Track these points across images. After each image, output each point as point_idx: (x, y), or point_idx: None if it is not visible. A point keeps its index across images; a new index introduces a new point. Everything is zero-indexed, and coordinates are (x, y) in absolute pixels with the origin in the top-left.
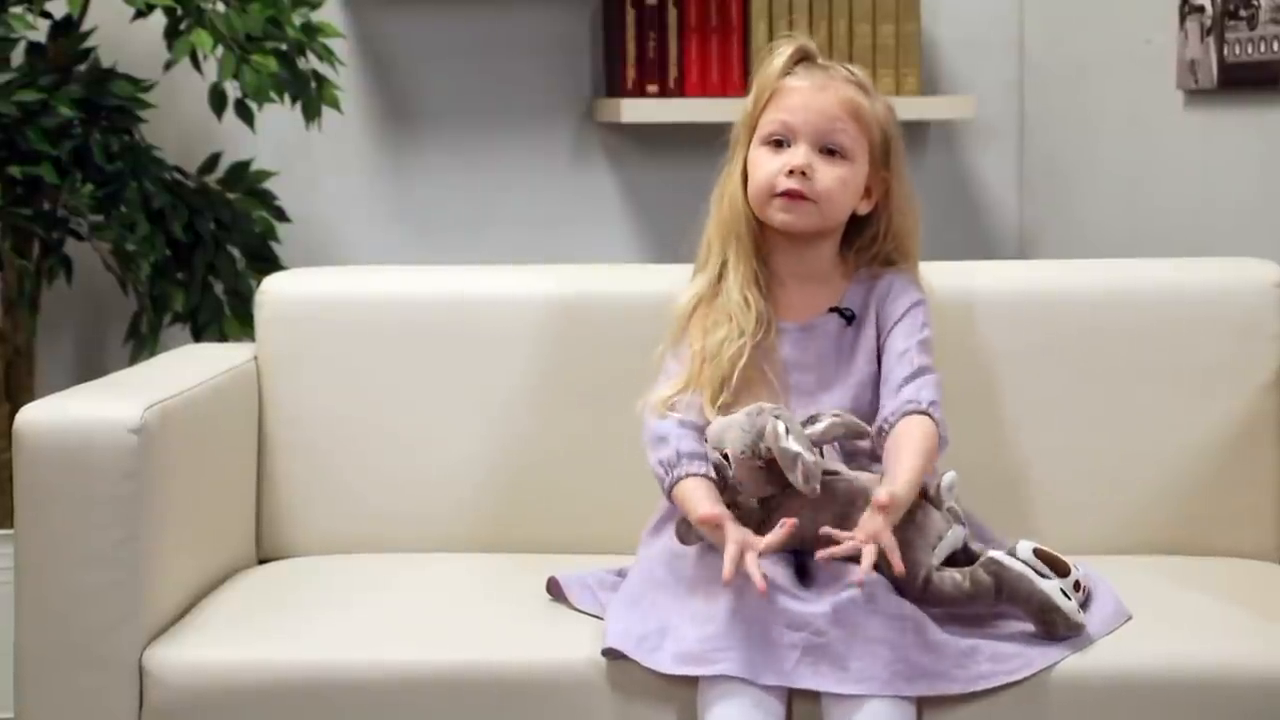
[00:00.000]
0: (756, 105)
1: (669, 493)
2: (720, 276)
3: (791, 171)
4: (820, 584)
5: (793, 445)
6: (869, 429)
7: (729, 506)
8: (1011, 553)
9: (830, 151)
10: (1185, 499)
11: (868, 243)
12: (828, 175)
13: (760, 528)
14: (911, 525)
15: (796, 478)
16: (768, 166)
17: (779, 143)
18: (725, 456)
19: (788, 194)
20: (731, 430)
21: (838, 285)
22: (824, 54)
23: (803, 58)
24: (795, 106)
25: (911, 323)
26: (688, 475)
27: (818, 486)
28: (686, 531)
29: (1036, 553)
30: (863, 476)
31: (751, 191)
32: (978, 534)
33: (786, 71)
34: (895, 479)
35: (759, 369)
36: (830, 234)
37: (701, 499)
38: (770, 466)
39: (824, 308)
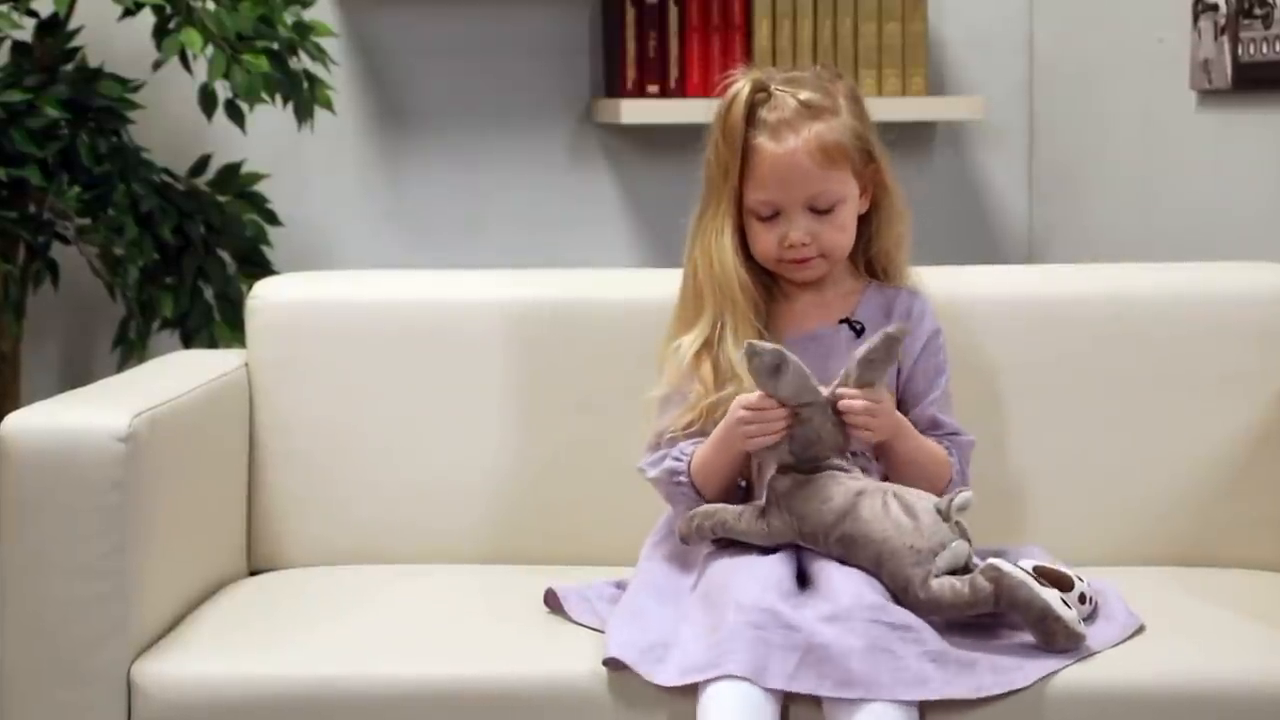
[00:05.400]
0: (732, 163)
1: (690, 473)
2: (718, 335)
3: (791, 245)
4: (820, 587)
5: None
6: (906, 328)
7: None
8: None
9: (822, 208)
10: (1198, 509)
11: (874, 234)
12: (828, 232)
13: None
14: (914, 533)
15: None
16: (766, 240)
17: (770, 214)
18: None
19: (795, 260)
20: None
21: (850, 291)
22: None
23: (758, 91)
24: (770, 182)
25: (929, 365)
26: (694, 451)
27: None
28: (688, 530)
29: (1037, 570)
30: (863, 478)
31: (759, 258)
32: (980, 554)
33: (749, 119)
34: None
35: None
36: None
37: (713, 437)
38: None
39: (834, 318)
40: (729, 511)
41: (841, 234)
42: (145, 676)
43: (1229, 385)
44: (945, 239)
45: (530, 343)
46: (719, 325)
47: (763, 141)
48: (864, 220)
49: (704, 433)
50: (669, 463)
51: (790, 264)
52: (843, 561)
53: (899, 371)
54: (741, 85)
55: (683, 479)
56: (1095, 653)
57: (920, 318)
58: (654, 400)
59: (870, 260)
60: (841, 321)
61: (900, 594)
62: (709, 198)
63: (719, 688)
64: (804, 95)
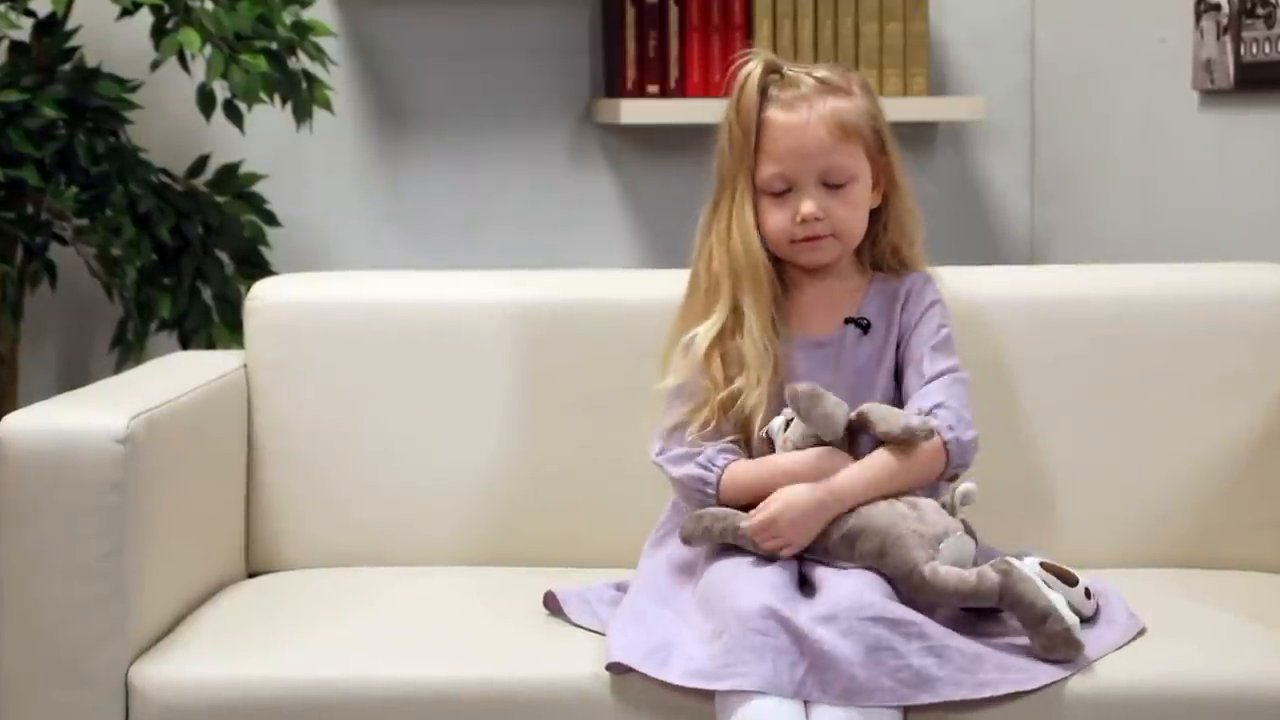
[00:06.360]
0: (746, 141)
1: (719, 488)
2: (736, 320)
3: (804, 220)
4: (820, 592)
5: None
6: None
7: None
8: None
9: (835, 183)
10: (1198, 510)
11: (882, 230)
12: (841, 209)
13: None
14: (917, 520)
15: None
16: (778, 218)
17: (782, 189)
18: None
19: (807, 239)
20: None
21: (856, 286)
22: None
23: (770, 72)
24: (784, 154)
25: (926, 328)
26: (728, 465)
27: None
28: (692, 531)
29: (1043, 565)
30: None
31: (769, 241)
32: (984, 555)
33: (763, 96)
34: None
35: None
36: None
37: (753, 467)
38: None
39: (840, 317)
40: (740, 517)
41: (854, 212)
42: (143, 678)
43: (1229, 386)
44: (946, 239)
45: (530, 344)
46: (737, 314)
47: (776, 114)
48: (873, 216)
49: (720, 431)
50: (697, 470)
51: (801, 244)
52: (844, 566)
53: (898, 343)
54: (754, 65)
55: (710, 491)
56: (1093, 662)
57: (922, 289)
58: (664, 391)
59: (876, 257)
60: (847, 322)
61: (904, 581)
62: (723, 188)
63: (742, 701)
64: (820, 74)
